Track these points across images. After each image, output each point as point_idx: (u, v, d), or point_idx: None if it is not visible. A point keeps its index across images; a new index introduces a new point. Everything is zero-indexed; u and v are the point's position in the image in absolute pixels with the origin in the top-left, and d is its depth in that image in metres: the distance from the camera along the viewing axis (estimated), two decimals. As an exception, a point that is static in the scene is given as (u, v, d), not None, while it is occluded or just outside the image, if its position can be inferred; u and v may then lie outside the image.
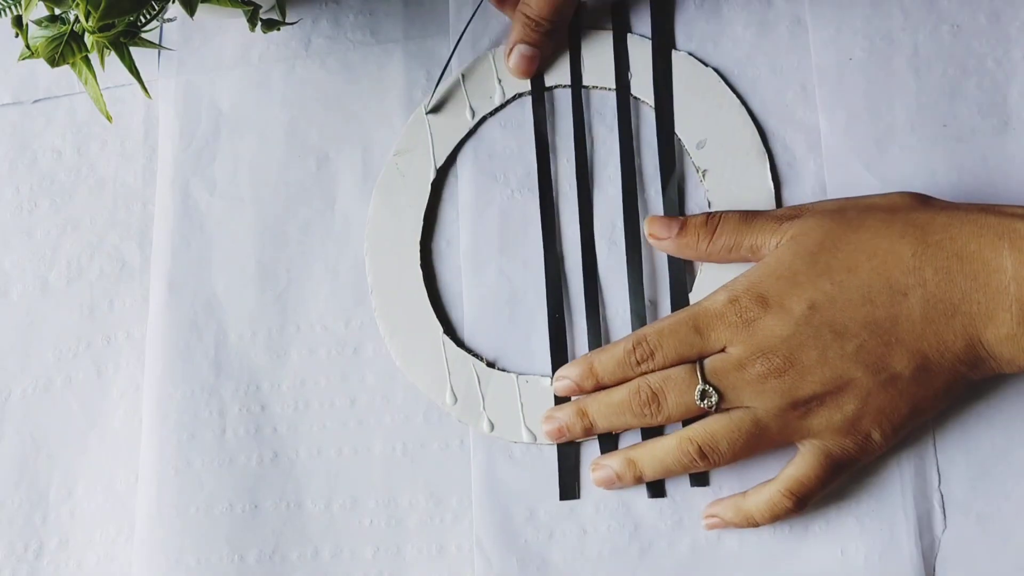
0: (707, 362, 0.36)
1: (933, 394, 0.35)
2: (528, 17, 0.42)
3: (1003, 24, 0.41)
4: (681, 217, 0.39)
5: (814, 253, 0.34)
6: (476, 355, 0.43)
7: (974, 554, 0.37)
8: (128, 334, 0.47)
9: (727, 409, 0.36)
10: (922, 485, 0.38)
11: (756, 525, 0.37)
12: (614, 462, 0.39)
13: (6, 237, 0.49)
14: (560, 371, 0.40)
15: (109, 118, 0.41)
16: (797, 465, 0.36)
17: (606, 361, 0.39)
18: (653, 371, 0.37)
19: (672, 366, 0.37)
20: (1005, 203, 0.35)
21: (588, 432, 0.40)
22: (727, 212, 0.38)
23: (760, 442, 0.36)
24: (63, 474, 0.46)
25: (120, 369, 0.46)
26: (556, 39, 0.44)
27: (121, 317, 0.47)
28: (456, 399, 0.42)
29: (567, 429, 0.40)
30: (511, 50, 0.44)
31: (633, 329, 0.41)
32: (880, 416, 0.35)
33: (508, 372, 0.42)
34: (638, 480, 0.39)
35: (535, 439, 0.41)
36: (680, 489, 0.40)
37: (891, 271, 0.33)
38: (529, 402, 0.42)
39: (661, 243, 0.39)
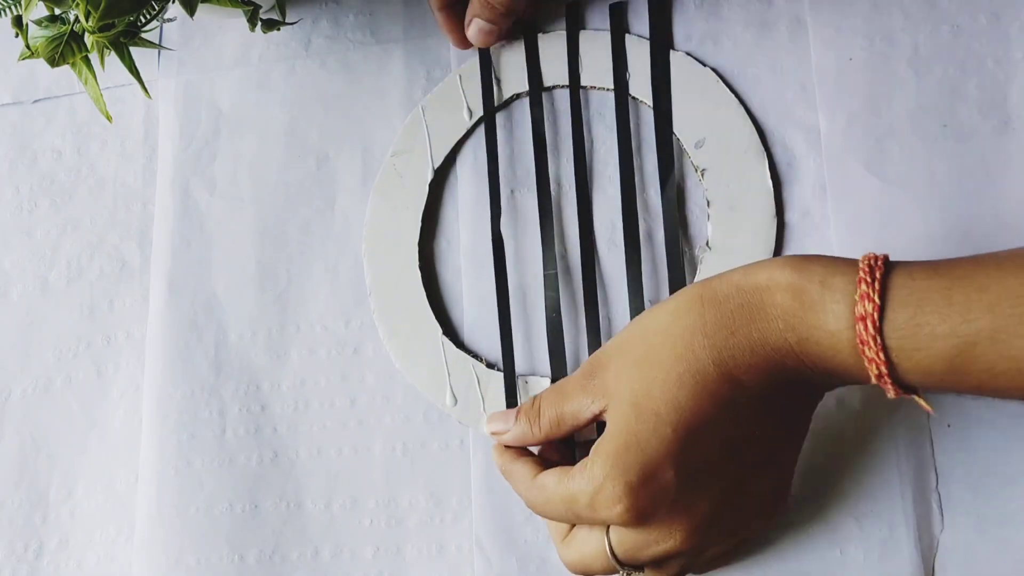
0: (615, 544, 0.34)
1: (802, 430, 0.35)
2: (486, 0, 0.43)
3: (1003, 24, 0.41)
4: (513, 408, 0.38)
5: (636, 403, 0.33)
6: (476, 356, 0.43)
7: (973, 554, 0.37)
8: (128, 334, 0.47)
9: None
10: (921, 486, 0.38)
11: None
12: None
13: (6, 237, 0.49)
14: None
15: (109, 118, 0.41)
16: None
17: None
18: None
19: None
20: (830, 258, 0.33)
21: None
22: (544, 391, 0.37)
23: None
24: (63, 474, 0.46)
25: (120, 369, 0.46)
26: (514, 17, 0.44)
27: (121, 317, 0.47)
28: (456, 400, 0.42)
29: None
30: (469, 22, 0.44)
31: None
32: (781, 490, 0.36)
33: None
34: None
35: None
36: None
37: (708, 387, 0.32)
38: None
39: (503, 437, 0.38)
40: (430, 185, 0.45)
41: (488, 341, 0.43)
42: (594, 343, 0.42)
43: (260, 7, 0.42)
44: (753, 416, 0.33)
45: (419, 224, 0.45)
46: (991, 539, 0.37)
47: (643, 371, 0.33)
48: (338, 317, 0.45)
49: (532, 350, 0.43)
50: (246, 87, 0.48)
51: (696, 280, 0.41)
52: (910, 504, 0.38)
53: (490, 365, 0.43)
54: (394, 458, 0.43)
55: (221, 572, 0.43)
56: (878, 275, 0.30)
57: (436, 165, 0.45)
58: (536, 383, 0.42)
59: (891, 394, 0.31)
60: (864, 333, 0.29)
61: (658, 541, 0.33)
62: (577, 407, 0.35)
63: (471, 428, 0.42)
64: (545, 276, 0.43)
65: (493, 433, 0.38)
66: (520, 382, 0.42)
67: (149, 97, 0.42)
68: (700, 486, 0.33)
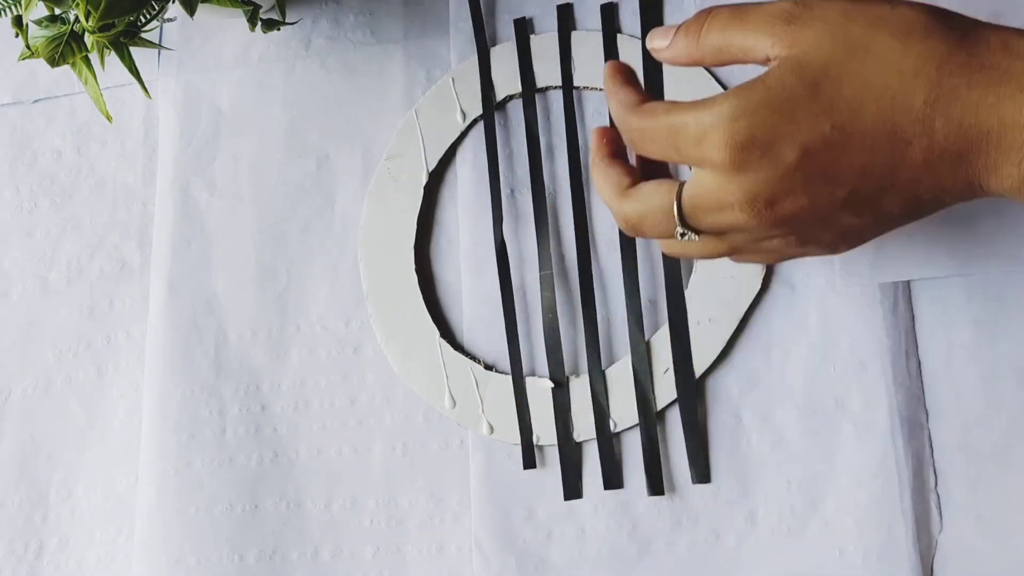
0: (685, 198, 0.32)
1: (915, 219, 0.33)
2: None
3: (1004, 24, 0.41)
4: (675, 25, 0.35)
5: (816, 82, 0.30)
6: (474, 358, 0.43)
7: (972, 555, 0.37)
8: (128, 334, 0.47)
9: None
10: (919, 486, 0.38)
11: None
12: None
13: (6, 237, 0.49)
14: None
15: (109, 118, 0.41)
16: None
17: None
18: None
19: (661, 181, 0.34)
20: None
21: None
22: (718, 7, 0.33)
23: (732, 254, 0.35)
24: (63, 474, 0.46)
25: (120, 369, 0.46)
26: None
27: (121, 317, 0.47)
28: (454, 403, 0.42)
29: None
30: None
31: (631, 331, 0.41)
32: (855, 239, 0.33)
33: (506, 374, 0.42)
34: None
35: (537, 439, 0.41)
36: (679, 489, 0.40)
37: (898, 117, 0.29)
38: (529, 404, 0.42)
39: (660, 54, 0.35)
40: (425, 188, 0.45)
41: (486, 342, 0.43)
42: (592, 342, 0.42)
43: (260, 7, 0.42)
44: (909, 174, 0.30)
45: (415, 227, 0.45)
46: (990, 539, 0.37)
47: (849, 58, 0.30)
48: (338, 317, 0.45)
49: (529, 350, 0.43)
50: (246, 87, 0.48)
51: (692, 279, 0.41)
52: (909, 504, 0.38)
53: (488, 367, 0.43)
54: (394, 458, 0.43)
55: (221, 572, 0.43)
56: None
57: (431, 168, 0.45)
58: (535, 384, 0.42)
59: None
60: None
61: (734, 207, 0.31)
62: (753, 43, 0.32)
63: (470, 430, 0.42)
64: (541, 276, 0.43)
65: (652, 49, 0.35)
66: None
67: (149, 97, 0.42)
68: (806, 186, 0.30)
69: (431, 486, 0.42)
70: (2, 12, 0.39)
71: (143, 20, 0.39)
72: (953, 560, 0.37)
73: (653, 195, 0.33)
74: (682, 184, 0.32)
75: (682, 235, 0.33)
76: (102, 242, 0.48)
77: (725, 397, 0.40)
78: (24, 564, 0.45)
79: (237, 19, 0.45)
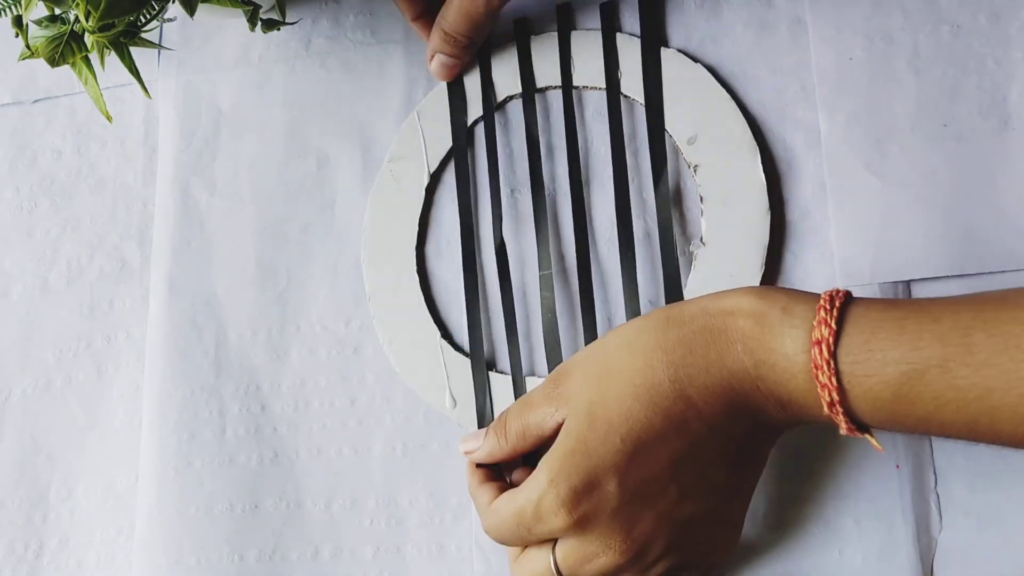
0: (559, 559, 0.35)
1: (754, 475, 0.36)
2: (446, 32, 0.43)
3: (1003, 24, 0.41)
4: (484, 428, 0.39)
5: (591, 413, 0.33)
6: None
7: (972, 555, 0.37)
8: (128, 334, 0.47)
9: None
10: (919, 486, 0.38)
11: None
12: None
13: (6, 237, 0.49)
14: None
15: (109, 118, 0.41)
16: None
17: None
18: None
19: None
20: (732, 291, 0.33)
21: None
22: (512, 405, 0.37)
23: None
24: (63, 474, 0.46)
25: (120, 369, 0.46)
26: (476, 48, 0.45)
27: (121, 317, 0.47)
28: (455, 403, 0.42)
29: None
30: (431, 56, 0.44)
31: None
32: (723, 532, 0.36)
33: (507, 374, 0.42)
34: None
35: None
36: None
37: (660, 404, 0.32)
38: None
39: (474, 456, 0.38)
40: (426, 189, 0.45)
41: (487, 343, 0.43)
42: (591, 342, 0.41)
43: (260, 7, 0.42)
44: (703, 440, 0.33)
45: (416, 229, 0.45)
46: (990, 539, 0.37)
47: (602, 382, 0.34)
48: (338, 317, 0.45)
49: (530, 350, 0.43)
50: (246, 87, 0.48)
51: (689, 278, 0.41)
52: (909, 504, 0.38)
53: (489, 367, 0.43)
54: (394, 458, 0.43)
55: (221, 572, 0.43)
56: (837, 304, 0.31)
57: (432, 170, 0.45)
58: (534, 383, 0.42)
59: (843, 429, 0.31)
60: (818, 357, 0.30)
61: (599, 554, 0.34)
62: (541, 417, 0.36)
63: (471, 430, 0.42)
64: (541, 277, 0.43)
65: (466, 453, 0.39)
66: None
67: (149, 97, 0.42)
68: (643, 501, 0.33)
69: (431, 486, 0.42)
70: (2, 12, 0.39)
71: (143, 20, 0.39)
72: (953, 560, 0.37)
73: (535, 561, 0.36)
74: (554, 546, 0.35)
75: None
76: (102, 242, 0.48)
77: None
78: (24, 564, 0.45)
79: (237, 19, 0.45)
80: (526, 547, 0.36)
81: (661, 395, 0.32)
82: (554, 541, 0.35)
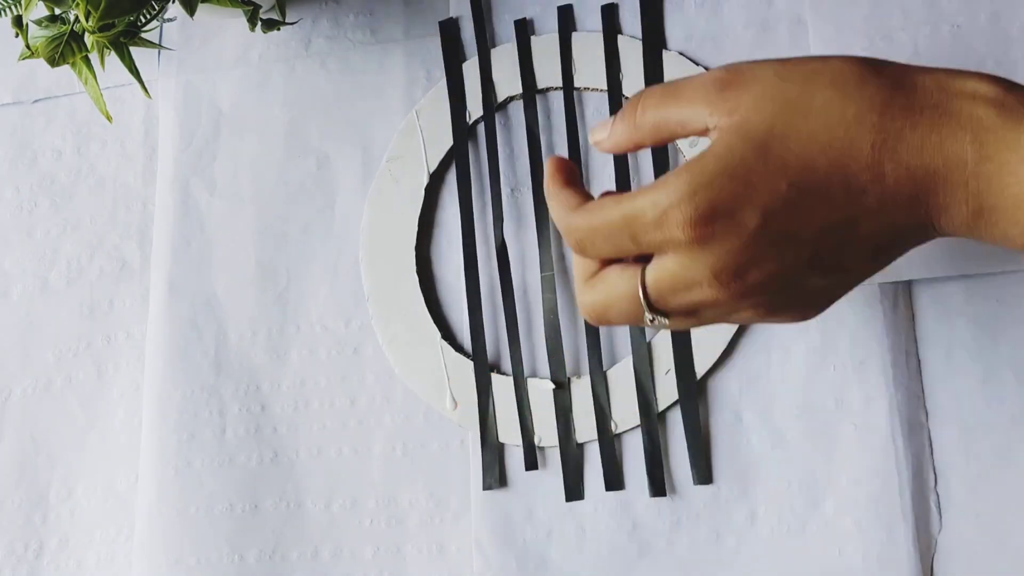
0: (650, 282, 0.31)
1: (876, 270, 0.32)
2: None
3: (1003, 24, 0.41)
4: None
5: (765, 143, 0.30)
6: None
7: (971, 554, 0.37)
8: (128, 334, 0.47)
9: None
10: (919, 486, 0.38)
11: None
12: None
13: (6, 237, 0.49)
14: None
15: (109, 118, 0.41)
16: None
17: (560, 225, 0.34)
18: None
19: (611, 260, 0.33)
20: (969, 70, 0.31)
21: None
22: (650, 89, 0.33)
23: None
24: (63, 474, 0.46)
25: (120, 369, 0.46)
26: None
27: (121, 317, 0.47)
28: (456, 404, 0.42)
29: None
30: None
31: (632, 332, 0.41)
32: (823, 301, 0.33)
33: (508, 375, 0.42)
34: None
35: (538, 440, 0.41)
36: (680, 489, 0.40)
37: (849, 166, 0.29)
38: (530, 405, 0.42)
39: (602, 146, 0.35)
40: (426, 189, 0.45)
41: (488, 344, 0.43)
42: (593, 344, 0.42)
43: (260, 7, 0.42)
44: (866, 218, 0.30)
45: (416, 228, 0.45)
46: (989, 539, 0.37)
47: (793, 115, 0.30)
48: (338, 317, 0.45)
49: (531, 352, 0.43)
50: (246, 87, 0.48)
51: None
52: (909, 504, 0.38)
53: (491, 367, 0.43)
54: (394, 458, 0.43)
55: (221, 572, 0.43)
56: None
57: (432, 169, 0.45)
58: (537, 385, 0.42)
59: None
60: None
61: (699, 285, 0.30)
62: (689, 116, 0.31)
63: (472, 431, 0.42)
64: (543, 278, 0.43)
65: (594, 143, 0.35)
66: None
67: (149, 97, 0.42)
68: (773, 251, 0.30)
69: (431, 486, 0.42)
70: (2, 12, 0.39)
71: (143, 20, 0.39)
72: (953, 560, 0.37)
73: (617, 282, 0.32)
74: (644, 268, 0.31)
75: (651, 320, 0.32)
76: (102, 242, 0.48)
77: (726, 397, 0.40)
78: (24, 564, 0.45)
79: (237, 19, 0.45)
80: (605, 266, 0.33)
81: (854, 157, 0.29)
82: (645, 264, 0.31)
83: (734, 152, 0.30)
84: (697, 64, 0.43)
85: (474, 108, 0.45)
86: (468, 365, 0.43)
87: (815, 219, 0.30)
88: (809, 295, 0.32)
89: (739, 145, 0.30)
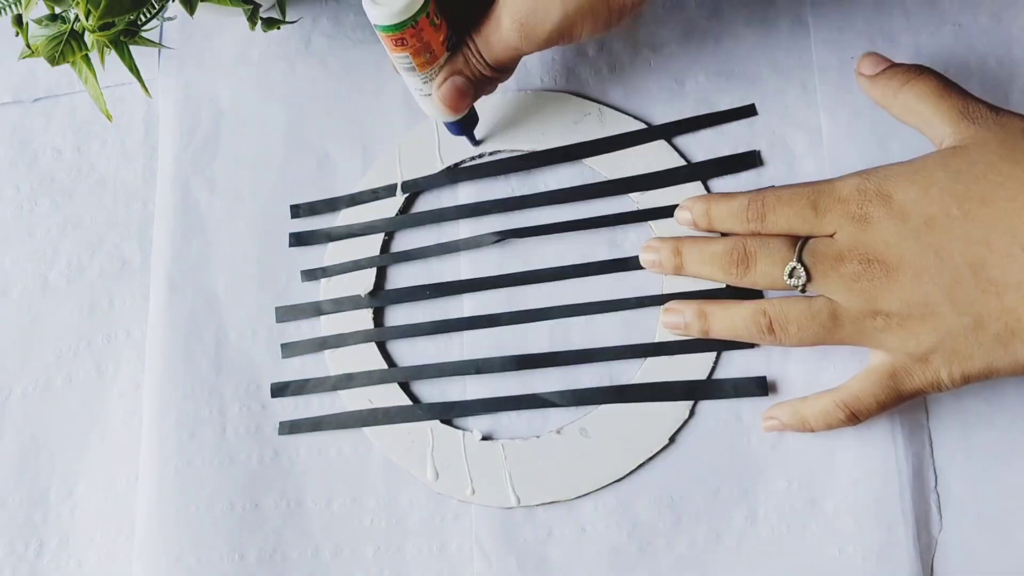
0: (810, 242, 0.36)
1: (1012, 362, 0.33)
2: (478, 55, 0.38)
3: (1005, 24, 0.41)
4: (891, 62, 0.38)
5: (960, 172, 0.33)
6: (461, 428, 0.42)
7: (971, 554, 0.37)
8: (128, 333, 0.47)
9: (811, 295, 0.36)
10: (919, 485, 0.38)
11: (811, 431, 0.38)
12: (688, 310, 0.39)
13: (6, 236, 0.49)
14: (685, 201, 0.40)
15: (109, 117, 0.41)
16: (859, 380, 0.36)
17: (722, 208, 0.38)
18: (759, 234, 0.37)
19: (779, 235, 0.37)
20: None
21: (678, 271, 0.40)
22: (931, 73, 0.37)
23: (831, 336, 0.36)
24: (63, 473, 0.46)
25: (120, 368, 0.46)
26: (498, 83, 0.40)
27: (121, 316, 0.47)
28: (438, 475, 0.42)
29: (661, 262, 0.40)
30: (445, 80, 0.38)
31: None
32: (953, 358, 0.34)
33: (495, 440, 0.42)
34: (704, 333, 0.39)
35: (518, 502, 0.41)
36: (680, 488, 0.40)
37: (1021, 224, 0.32)
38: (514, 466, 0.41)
39: (860, 79, 0.38)
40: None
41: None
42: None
43: (260, 6, 0.42)
44: (1016, 277, 0.32)
45: (373, 279, 0.44)
46: (990, 539, 0.37)
47: (1000, 159, 0.33)
48: (338, 316, 0.45)
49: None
50: (246, 86, 0.48)
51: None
52: (909, 504, 0.38)
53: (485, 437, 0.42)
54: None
55: (221, 571, 0.43)
56: None
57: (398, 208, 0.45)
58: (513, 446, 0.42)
59: None
60: None
61: (853, 259, 0.34)
62: (938, 122, 0.35)
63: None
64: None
65: (858, 72, 0.39)
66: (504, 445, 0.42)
67: (149, 96, 0.42)
68: (918, 256, 0.33)
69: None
70: (2, 11, 0.39)
71: (143, 19, 0.39)
72: (953, 560, 0.37)
73: (777, 237, 0.36)
74: (808, 237, 0.36)
75: (791, 274, 0.35)
76: (102, 241, 0.48)
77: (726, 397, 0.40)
78: (24, 563, 0.45)
79: (237, 18, 0.45)
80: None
81: None
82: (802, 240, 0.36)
83: (928, 165, 0.34)
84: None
85: (447, 155, 0.44)
86: (459, 435, 0.42)
87: (970, 251, 0.33)
88: (942, 334, 0.34)
89: (937, 162, 0.34)
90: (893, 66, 0.37)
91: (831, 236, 0.35)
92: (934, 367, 0.34)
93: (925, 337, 0.34)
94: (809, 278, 0.35)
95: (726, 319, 0.38)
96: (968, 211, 0.33)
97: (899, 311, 0.34)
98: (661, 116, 0.44)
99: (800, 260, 0.35)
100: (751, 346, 0.40)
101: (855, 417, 0.36)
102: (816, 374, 0.40)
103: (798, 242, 0.36)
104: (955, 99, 0.35)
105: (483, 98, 0.41)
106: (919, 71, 0.36)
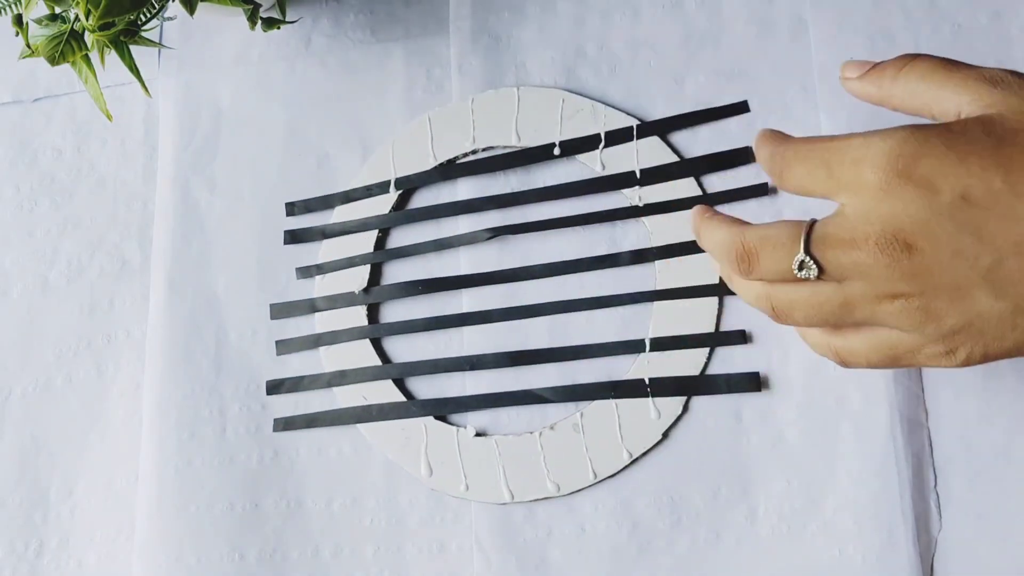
0: (818, 227, 0.30)
1: None
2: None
3: (1004, 23, 0.41)
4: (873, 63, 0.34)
5: (1003, 138, 0.28)
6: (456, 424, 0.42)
7: (971, 554, 0.37)
8: (128, 333, 0.47)
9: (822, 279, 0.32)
10: (919, 485, 0.38)
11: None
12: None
13: (6, 236, 0.49)
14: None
15: (109, 117, 0.41)
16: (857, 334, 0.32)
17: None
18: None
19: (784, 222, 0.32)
20: None
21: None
22: (926, 54, 0.32)
23: (840, 322, 0.32)
24: (63, 473, 0.46)
25: (120, 368, 0.46)
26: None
27: (121, 316, 0.47)
28: (432, 471, 0.42)
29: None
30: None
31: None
32: (979, 340, 0.30)
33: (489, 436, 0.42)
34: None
35: (512, 498, 0.41)
36: (680, 488, 0.40)
37: None
38: (510, 463, 0.41)
39: (848, 84, 0.34)
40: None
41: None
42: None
43: (260, 6, 0.42)
44: None
45: (368, 273, 0.44)
46: (990, 539, 0.37)
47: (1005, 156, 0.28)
48: (338, 316, 0.45)
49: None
50: (246, 86, 0.48)
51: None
52: (908, 504, 0.38)
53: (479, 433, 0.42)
54: (394, 457, 0.43)
55: (221, 571, 0.43)
56: None
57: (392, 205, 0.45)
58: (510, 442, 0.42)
59: None
60: None
61: (868, 242, 0.29)
62: (949, 95, 0.31)
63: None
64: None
65: (843, 78, 0.35)
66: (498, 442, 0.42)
67: (149, 96, 0.42)
68: (952, 238, 0.28)
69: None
70: (2, 11, 0.39)
71: (143, 19, 0.39)
72: (953, 560, 0.37)
73: (780, 225, 0.32)
74: (814, 220, 0.31)
75: (800, 267, 0.31)
76: (102, 241, 0.48)
77: (725, 397, 0.40)
78: (24, 563, 0.45)
79: (237, 18, 0.45)
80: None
81: None
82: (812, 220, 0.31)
83: (966, 130, 0.29)
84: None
85: (442, 152, 0.45)
86: (453, 431, 0.42)
87: (1014, 229, 0.28)
88: (968, 322, 0.29)
89: (976, 129, 0.29)
90: (881, 62, 0.34)
91: (842, 208, 0.31)
92: (949, 346, 0.30)
93: (949, 320, 0.29)
94: (820, 270, 0.31)
95: (740, 292, 0.35)
96: (1014, 183, 0.28)
97: (923, 294, 0.29)
98: (659, 115, 0.44)
99: (808, 251, 0.31)
100: (746, 342, 0.40)
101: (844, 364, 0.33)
102: (816, 374, 0.40)
103: (804, 229, 0.31)
104: (966, 68, 0.31)
105: (475, 94, 0.41)
106: (912, 55, 0.33)
